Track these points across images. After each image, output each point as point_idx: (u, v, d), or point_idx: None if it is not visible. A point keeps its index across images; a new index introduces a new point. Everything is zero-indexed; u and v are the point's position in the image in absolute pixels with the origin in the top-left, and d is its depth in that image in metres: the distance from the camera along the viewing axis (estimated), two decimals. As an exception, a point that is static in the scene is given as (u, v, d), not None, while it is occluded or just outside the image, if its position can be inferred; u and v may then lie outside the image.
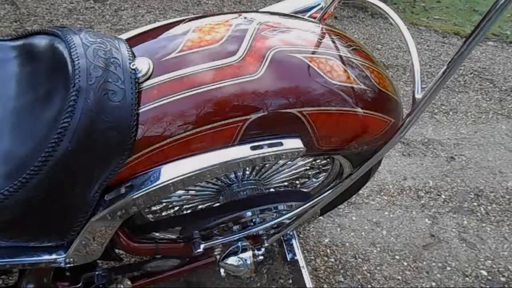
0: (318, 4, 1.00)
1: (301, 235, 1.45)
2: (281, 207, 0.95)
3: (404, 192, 1.66)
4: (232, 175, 1.01)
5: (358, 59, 0.76)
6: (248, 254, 0.94)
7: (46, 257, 0.67)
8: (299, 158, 1.01)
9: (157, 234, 1.14)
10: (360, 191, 1.62)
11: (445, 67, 0.57)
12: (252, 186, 1.01)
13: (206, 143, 0.64)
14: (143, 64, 0.64)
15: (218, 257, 0.97)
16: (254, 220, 0.96)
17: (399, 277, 1.35)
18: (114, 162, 0.60)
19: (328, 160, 1.05)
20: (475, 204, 1.63)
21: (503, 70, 2.50)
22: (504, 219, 1.57)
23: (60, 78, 0.60)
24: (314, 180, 1.17)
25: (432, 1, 3.30)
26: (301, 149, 0.68)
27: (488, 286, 1.34)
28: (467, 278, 1.36)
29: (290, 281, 1.31)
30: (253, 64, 0.66)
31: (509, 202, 1.64)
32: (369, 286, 1.32)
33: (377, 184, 1.69)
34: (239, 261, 0.94)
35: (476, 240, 1.48)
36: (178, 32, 0.72)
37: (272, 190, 1.12)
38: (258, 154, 0.65)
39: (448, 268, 1.38)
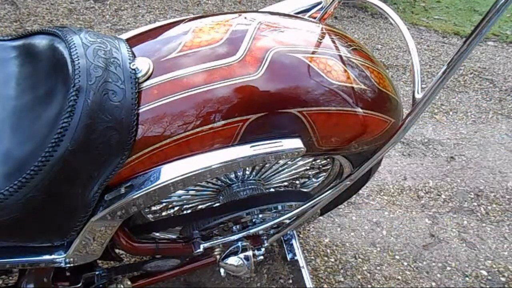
0: (318, 4, 1.00)
1: (301, 235, 1.45)
2: (281, 207, 0.95)
3: (404, 192, 1.66)
4: (232, 175, 1.01)
5: (358, 59, 0.76)
6: (248, 254, 0.94)
7: (46, 257, 0.67)
8: (299, 158, 1.01)
9: (157, 234, 1.14)
10: (360, 191, 1.62)
11: (445, 67, 0.57)
12: (252, 186, 1.01)
13: (206, 143, 0.64)
14: (143, 64, 0.64)
15: (218, 257, 0.97)
16: (254, 220, 0.96)
17: (399, 277, 1.35)
18: (114, 162, 0.60)
19: (328, 160, 1.05)
20: (475, 204, 1.63)
21: (503, 70, 2.50)
22: (504, 219, 1.57)
23: (60, 78, 0.60)
24: (314, 180, 1.17)
25: (432, 1, 3.30)
26: (301, 149, 0.68)
27: (488, 286, 1.34)
28: (467, 278, 1.36)
29: (290, 281, 1.31)
30: (253, 64, 0.66)
31: (509, 202, 1.64)
32: (369, 286, 1.32)
33: (377, 184, 1.69)
34: (239, 261, 0.93)
35: (476, 240, 1.48)
36: (178, 32, 0.72)
37: (272, 190, 1.12)
38: (258, 154, 0.65)
39: (448, 268, 1.38)
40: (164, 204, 1.08)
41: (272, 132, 0.67)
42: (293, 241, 1.32)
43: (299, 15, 0.94)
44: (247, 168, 0.99)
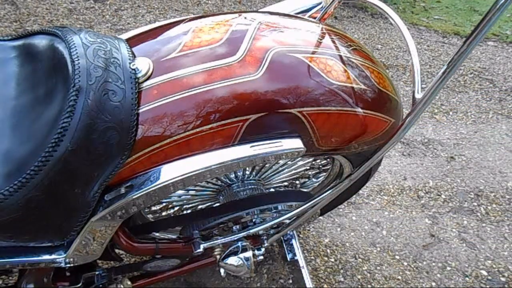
0: (318, 4, 1.00)
1: (301, 235, 1.45)
2: (281, 207, 0.95)
3: (404, 192, 1.66)
4: (232, 175, 1.01)
5: (358, 59, 0.76)
6: (248, 254, 0.94)
7: (46, 257, 0.67)
8: (299, 158, 1.01)
9: (157, 234, 1.14)
10: (360, 191, 1.62)
11: (445, 67, 0.57)
12: (252, 186, 1.01)
13: (206, 143, 0.64)
14: (143, 64, 0.64)
15: (218, 257, 0.97)
16: (254, 220, 0.96)
17: (399, 277, 1.35)
18: (114, 162, 0.60)
19: (328, 160, 1.05)
20: (475, 204, 1.63)
21: (503, 70, 2.50)
22: (504, 219, 1.57)
23: (60, 78, 0.60)
24: (314, 180, 1.17)
25: (432, 1, 3.30)
26: (301, 149, 0.68)
27: (488, 286, 1.34)
28: (467, 278, 1.36)
29: (290, 281, 1.31)
30: (253, 64, 0.66)
31: (509, 202, 1.64)
32: (369, 286, 1.32)
33: (377, 184, 1.69)
34: (239, 261, 0.93)
35: (476, 240, 1.48)
36: (178, 32, 0.72)
37: (272, 190, 1.12)
38: (258, 154, 0.65)
39: (448, 268, 1.38)
40: (164, 204, 1.08)
41: (272, 132, 0.67)
42: (293, 241, 1.32)
43: (299, 15, 0.94)
44: (247, 168, 0.99)
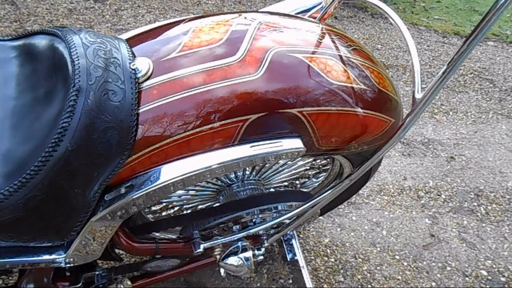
0: (318, 4, 1.00)
1: (301, 235, 1.45)
2: (281, 207, 0.95)
3: (404, 192, 1.66)
4: (232, 175, 1.01)
5: (358, 59, 0.76)
6: (248, 254, 0.94)
7: (46, 257, 0.67)
8: (299, 158, 1.01)
9: (157, 234, 1.14)
10: (360, 191, 1.62)
11: (445, 67, 0.57)
12: (252, 186, 1.01)
13: (206, 143, 0.64)
14: (143, 64, 0.64)
15: (218, 257, 0.97)
16: (254, 220, 0.96)
17: (399, 277, 1.35)
18: (114, 162, 0.60)
19: (328, 160, 1.05)
20: (475, 204, 1.63)
21: (503, 70, 2.50)
22: (504, 219, 1.57)
23: (60, 78, 0.60)
24: (314, 180, 1.17)
25: (432, 1, 3.30)
26: (301, 149, 0.68)
27: (488, 286, 1.34)
28: (467, 278, 1.36)
29: (290, 281, 1.31)
30: (253, 64, 0.66)
31: (509, 202, 1.64)
32: (369, 286, 1.32)
33: (377, 184, 1.69)
34: (239, 261, 0.93)
35: (476, 240, 1.48)
36: (178, 32, 0.72)
37: (272, 190, 1.12)
38: (258, 154, 0.65)
39: (448, 268, 1.38)
40: (164, 204, 1.08)
41: (272, 132, 0.67)
42: (293, 241, 1.32)
43: (299, 15, 0.94)
44: (247, 168, 0.99)
